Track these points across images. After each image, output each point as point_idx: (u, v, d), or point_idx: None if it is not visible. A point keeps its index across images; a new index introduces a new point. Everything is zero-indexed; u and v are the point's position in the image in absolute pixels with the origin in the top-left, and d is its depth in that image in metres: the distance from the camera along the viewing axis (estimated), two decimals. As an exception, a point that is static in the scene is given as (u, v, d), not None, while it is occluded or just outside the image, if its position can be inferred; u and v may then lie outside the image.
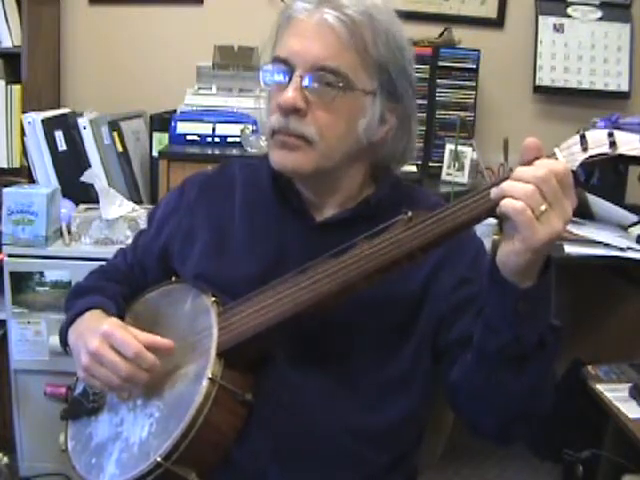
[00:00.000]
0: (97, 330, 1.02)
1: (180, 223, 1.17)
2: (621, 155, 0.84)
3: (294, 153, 1.02)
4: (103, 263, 1.31)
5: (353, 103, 1.02)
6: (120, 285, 1.21)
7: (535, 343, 0.89)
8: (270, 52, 1.07)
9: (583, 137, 0.85)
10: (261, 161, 1.14)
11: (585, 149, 0.85)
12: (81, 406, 1.11)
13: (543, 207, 0.80)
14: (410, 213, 0.93)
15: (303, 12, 1.01)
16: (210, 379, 0.96)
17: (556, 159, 0.86)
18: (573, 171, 0.84)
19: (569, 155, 0.85)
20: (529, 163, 0.83)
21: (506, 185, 0.82)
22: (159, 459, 0.94)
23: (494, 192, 0.84)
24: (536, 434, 2.11)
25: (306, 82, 1.00)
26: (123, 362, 0.99)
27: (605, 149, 0.84)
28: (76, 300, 1.17)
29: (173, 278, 1.14)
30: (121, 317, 1.12)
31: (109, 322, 1.04)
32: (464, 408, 1.02)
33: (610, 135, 0.84)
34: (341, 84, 1.00)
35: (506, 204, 0.81)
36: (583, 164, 0.85)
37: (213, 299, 1.05)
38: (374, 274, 0.93)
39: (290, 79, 1.01)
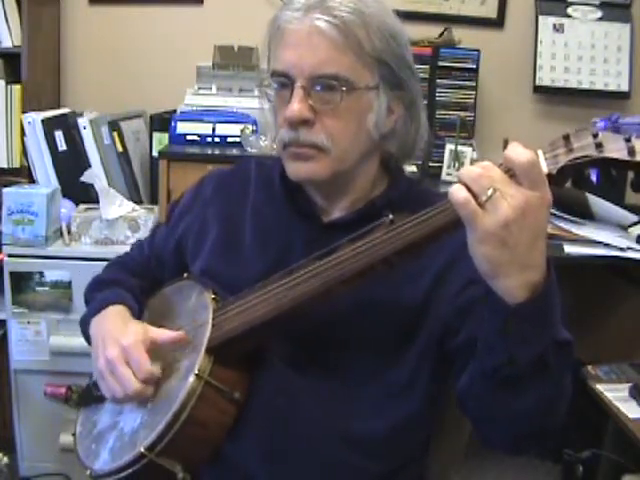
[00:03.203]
0: (119, 340, 1.04)
1: (195, 218, 1.18)
2: (605, 158, 0.80)
3: (308, 163, 1.03)
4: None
5: (358, 102, 1.01)
6: (138, 278, 1.23)
7: (533, 363, 0.83)
8: (267, 65, 1.06)
9: (567, 138, 0.82)
10: (275, 161, 1.14)
11: (570, 151, 0.81)
12: (90, 394, 1.14)
13: (490, 192, 0.75)
14: (391, 216, 0.91)
15: (293, 21, 1.00)
16: (196, 375, 0.97)
17: None
18: (551, 174, 0.80)
19: (552, 157, 0.82)
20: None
21: (459, 172, 0.78)
22: (143, 450, 0.96)
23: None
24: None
25: (308, 92, 0.99)
26: (134, 380, 1.01)
27: (590, 151, 0.81)
28: (97, 292, 1.20)
29: (185, 274, 1.16)
30: (140, 310, 1.15)
31: (132, 334, 1.04)
32: (472, 419, 1.00)
33: (595, 136, 0.80)
34: (343, 87, 0.99)
35: (452, 191, 0.77)
36: (565, 167, 0.81)
37: (212, 296, 1.06)
38: (351, 278, 0.92)
39: (292, 91, 1.00)
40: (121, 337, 1.04)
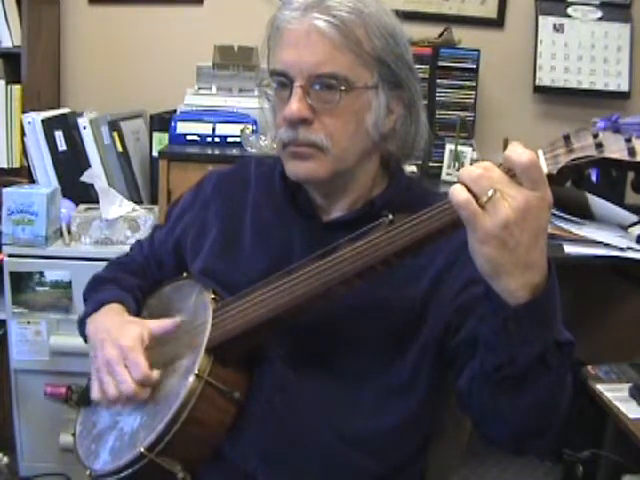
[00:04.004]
0: (118, 341, 1.04)
1: (194, 218, 1.19)
2: (605, 158, 0.80)
3: (307, 162, 1.02)
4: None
5: (357, 101, 1.01)
6: (137, 277, 1.24)
7: (534, 363, 0.83)
8: (266, 65, 1.06)
9: (567, 138, 0.82)
10: (275, 160, 1.14)
11: (570, 151, 0.81)
12: (90, 394, 1.13)
13: (490, 192, 0.75)
14: (391, 216, 0.91)
15: (292, 21, 1.00)
16: (196, 375, 0.97)
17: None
18: (551, 174, 0.80)
19: (552, 157, 0.81)
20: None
21: (460, 172, 0.78)
22: (143, 450, 0.96)
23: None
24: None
25: (307, 91, 0.99)
26: (130, 381, 1.00)
27: (590, 151, 0.80)
28: (94, 291, 1.20)
29: (185, 274, 1.16)
30: (138, 309, 1.16)
31: (131, 335, 1.04)
32: (473, 417, 1.00)
33: (595, 136, 0.80)
34: (342, 87, 0.99)
35: (452, 191, 0.77)
36: (565, 167, 0.80)
37: (212, 296, 1.07)
38: (350, 279, 0.92)
39: (291, 91, 1.00)
40: (120, 338, 1.04)
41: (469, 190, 0.76)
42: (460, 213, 0.77)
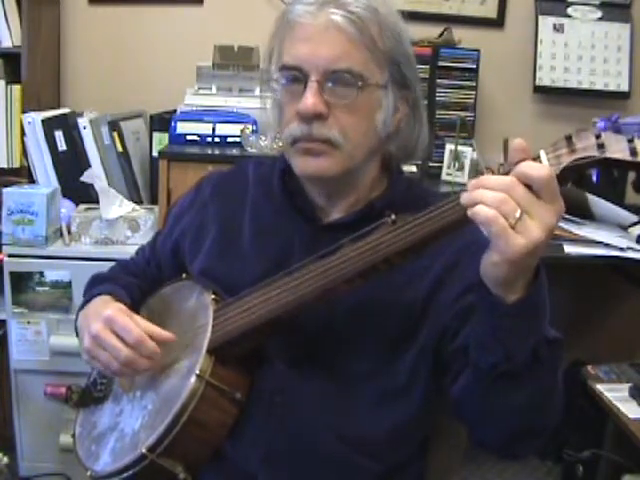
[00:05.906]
0: (101, 314, 1.04)
1: (193, 220, 1.18)
2: (607, 158, 0.80)
3: (319, 158, 1.01)
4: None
5: (370, 99, 1.01)
6: (136, 278, 1.24)
7: (528, 359, 0.84)
8: (273, 61, 1.05)
9: (569, 139, 0.82)
10: (274, 162, 1.14)
11: (572, 151, 0.81)
12: (90, 395, 1.14)
13: (517, 214, 0.74)
14: (394, 216, 0.91)
15: (306, 15, 0.99)
16: (198, 375, 0.97)
17: (540, 162, 0.81)
18: (556, 175, 0.79)
19: (555, 158, 0.82)
20: (515, 165, 0.79)
21: (476, 193, 0.77)
22: (144, 451, 0.96)
23: (464, 199, 0.78)
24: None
25: (323, 86, 0.99)
26: (123, 347, 1.00)
27: (593, 152, 0.81)
28: (91, 288, 1.20)
29: (184, 275, 1.16)
30: (135, 307, 1.14)
31: (113, 307, 1.05)
32: (467, 422, 1.00)
33: (597, 137, 0.81)
34: (359, 83, 0.99)
35: (477, 211, 0.76)
36: (567, 167, 0.81)
37: (213, 296, 1.06)
38: (353, 278, 0.92)
39: (305, 86, 0.99)
40: (102, 311, 1.04)
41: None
42: (490, 230, 0.75)
